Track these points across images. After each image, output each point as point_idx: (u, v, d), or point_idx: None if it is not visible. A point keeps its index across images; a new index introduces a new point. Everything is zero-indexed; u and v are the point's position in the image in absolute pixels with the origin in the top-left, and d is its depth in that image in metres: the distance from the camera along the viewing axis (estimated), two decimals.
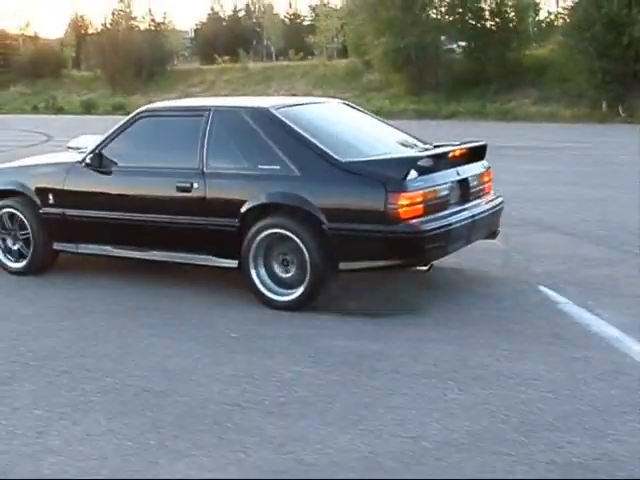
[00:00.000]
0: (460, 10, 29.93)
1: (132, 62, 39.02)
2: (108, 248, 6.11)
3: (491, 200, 6.04)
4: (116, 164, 6.00)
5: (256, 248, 5.35)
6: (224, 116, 5.78)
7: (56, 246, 6.35)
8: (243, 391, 3.89)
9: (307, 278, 5.21)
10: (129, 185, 5.97)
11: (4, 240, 6.52)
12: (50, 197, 6.22)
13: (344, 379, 4.04)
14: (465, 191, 5.66)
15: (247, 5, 58.25)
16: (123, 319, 5.25)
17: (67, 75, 44.52)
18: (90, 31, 59.07)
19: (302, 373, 4.14)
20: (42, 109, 34.25)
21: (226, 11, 56.83)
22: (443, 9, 30.75)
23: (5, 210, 6.45)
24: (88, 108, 33.25)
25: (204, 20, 56.47)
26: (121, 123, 6.17)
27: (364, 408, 3.67)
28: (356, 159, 5.32)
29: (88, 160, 6.06)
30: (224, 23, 55.38)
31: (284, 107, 5.90)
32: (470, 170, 5.76)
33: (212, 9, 56.27)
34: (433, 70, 29.12)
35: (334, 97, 30.66)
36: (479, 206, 5.78)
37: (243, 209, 5.37)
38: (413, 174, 5.11)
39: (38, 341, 4.82)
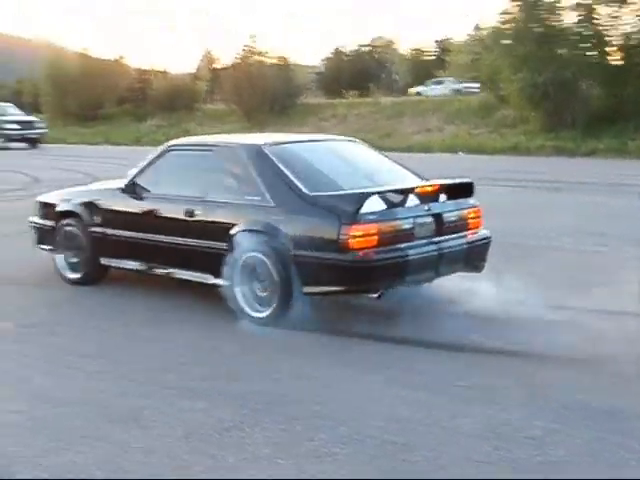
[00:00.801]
0: (596, 45, 29.26)
1: (264, 96, 39.90)
2: (137, 264, 7.06)
3: (473, 235, 6.45)
4: (147, 191, 6.98)
5: (241, 269, 6.09)
6: (225, 152, 6.72)
7: (102, 261, 7.36)
8: (494, 448, 3.78)
9: (277, 299, 5.90)
10: (151, 209, 6.90)
11: (66, 254, 7.60)
12: (95, 218, 7.33)
13: (597, 437, 3.89)
14: (438, 225, 6.15)
15: (371, 40, 59.34)
16: (326, 359, 5.25)
17: (200, 108, 45.88)
18: (220, 66, 61.11)
19: (550, 430, 4.00)
20: None
21: (350, 46, 58.15)
22: (580, 45, 30.14)
23: (66, 228, 7.57)
24: None
25: (328, 55, 57.88)
26: (152, 155, 7.18)
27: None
28: (321, 193, 5.99)
29: (124, 187, 7.13)
30: (348, 58, 56.48)
31: (277, 145, 6.71)
32: (446, 206, 6.29)
33: (336, 48, 57.83)
34: (570, 106, 28.47)
35: (468, 133, 31.40)
36: (453, 240, 6.22)
37: (230, 233, 6.16)
38: (368, 208, 5.69)
39: (259, 384, 4.82)
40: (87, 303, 7.03)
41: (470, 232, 6.48)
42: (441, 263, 6.07)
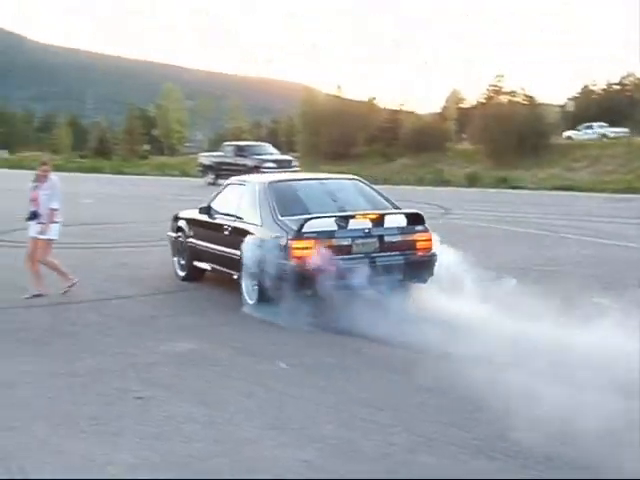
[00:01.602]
0: None
1: (513, 136, 39.23)
2: (207, 266, 9.92)
3: (418, 254, 8.29)
4: (215, 211, 9.75)
5: (244, 269, 8.55)
6: (249, 186, 9.34)
7: (195, 263, 10.16)
8: None
9: (257, 292, 8.33)
10: (213, 225, 9.66)
11: (179, 258, 10.58)
12: (188, 231, 10.36)
13: None
14: (381, 244, 8.17)
15: (621, 78, 56.95)
16: None
17: (449, 148, 45.93)
18: (466, 105, 61.18)
19: None
20: (427, 181, 35.43)
21: (600, 84, 56.23)
22: None
23: (178, 239, 10.62)
24: (472, 181, 33.84)
25: (575, 94, 56.24)
26: (221, 187, 10.29)
27: None
28: (289, 217, 8.26)
29: (200, 208, 9.99)
30: (598, 96, 54.53)
31: (279, 182, 9.38)
32: (389, 230, 8.26)
33: (585, 85, 56.06)
34: None
35: None
36: (392, 257, 8.13)
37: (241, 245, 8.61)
38: (309, 228, 7.86)
39: None
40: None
41: (417, 251, 8.33)
42: (376, 274, 7.78)
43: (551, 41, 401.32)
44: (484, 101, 49.81)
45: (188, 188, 32.17)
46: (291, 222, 8.10)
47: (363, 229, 8.15)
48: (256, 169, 35.01)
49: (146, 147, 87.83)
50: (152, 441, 4.79)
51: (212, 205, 9.87)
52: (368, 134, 49.22)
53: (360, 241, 8.09)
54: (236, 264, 8.71)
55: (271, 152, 37.55)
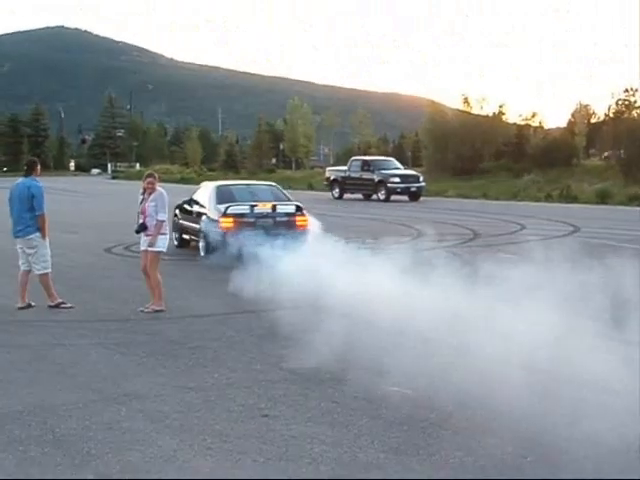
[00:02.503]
0: None
1: None
2: (188, 237, 16.08)
3: (297, 229, 13.78)
4: (195, 203, 15.77)
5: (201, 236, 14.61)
6: (208, 187, 15.70)
7: (183, 236, 16.37)
8: None
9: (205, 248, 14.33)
10: (189, 211, 16.02)
11: (175, 233, 16.00)
12: (179, 215, 16.45)
13: None
14: (274, 223, 13.76)
15: None
16: None
17: (578, 164, 44.53)
18: (595, 120, 59.18)
19: None
20: (555, 197, 34.47)
21: None
22: None
23: (175, 220, 16.11)
24: (602, 198, 32.66)
25: None
26: (198, 187, 16.96)
27: None
28: (223, 205, 14.02)
29: (186, 200, 16.48)
30: None
31: (222, 185, 15.72)
32: (278, 214, 14.00)
33: None
34: None
35: None
36: (280, 230, 13.25)
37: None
38: (231, 211, 13.81)
39: None
40: None
41: (297, 228, 13.83)
42: (268, 241, 11.54)
43: None
44: (614, 116, 48.01)
45: (314, 202, 32.42)
46: (222, 207, 13.96)
47: (263, 212, 14.06)
48: (382, 184, 35.06)
49: (273, 161, 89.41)
50: (277, 461, 4.75)
51: (193, 197, 15.91)
52: (494, 149, 48.36)
53: (261, 220, 13.87)
54: (198, 234, 14.78)
55: (397, 167, 37.50)
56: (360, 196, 36.50)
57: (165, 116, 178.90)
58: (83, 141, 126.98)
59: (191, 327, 8.81)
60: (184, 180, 63.08)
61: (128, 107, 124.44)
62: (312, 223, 14.24)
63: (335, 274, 9.33)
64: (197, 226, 14.78)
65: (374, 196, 35.58)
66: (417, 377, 6.16)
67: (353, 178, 36.60)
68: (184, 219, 15.99)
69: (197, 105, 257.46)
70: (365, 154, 56.35)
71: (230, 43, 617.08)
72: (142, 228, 9.80)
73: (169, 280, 10.16)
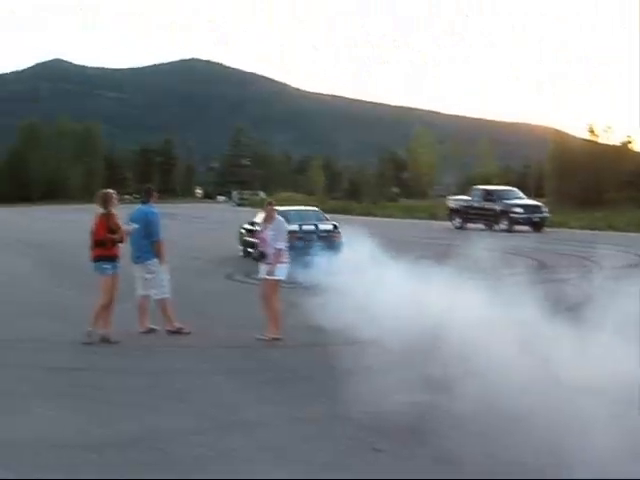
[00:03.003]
0: None
1: None
2: (250, 250, 18.71)
3: (333, 241, 17.97)
4: (255, 223, 19.33)
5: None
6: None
7: (247, 249, 20.11)
8: None
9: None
10: (251, 230, 20.54)
11: (241, 247, 21.40)
12: (244, 233, 21.47)
13: None
14: (317, 237, 18.35)
15: None
16: None
17: None
18: None
19: None
20: None
21: None
22: None
23: (241, 237, 21.89)
24: None
25: None
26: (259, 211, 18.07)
27: None
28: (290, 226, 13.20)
29: (249, 222, 21.27)
30: None
31: (280, 210, 13.24)
32: (319, 230, 19.25)
33: None
34: None
35: None
36: (321, 243, 16.39)
37: None
38: (292, 228, 14.51)
39: None
40: None
41: (333, 241, 17.88)
42: (311, 252, 10.84)
43: None
44: None
45: (436, 231, 32.25)
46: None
47: (309, 229, 18.91)
48: (504, 214, 34.47)
49: (395, 189, 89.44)
50: None
51: (254, 220, 19.27)
52: (620, 180, 46.73)
53: (307, 235, 18.23)
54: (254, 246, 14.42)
55: (520, 197, 36.80)
56: (482, 226, 36.02)
57: (290, 145, 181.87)
58: (210, 169, 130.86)
59: (304, 356, 8.84)
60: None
61: (255, 136, 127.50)
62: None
63: (449, 306, 9.16)
64: (254, 241, 17.22)
65: (496, 226, 35.04)
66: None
67: (475, 208, 36.16)
68: (247, 236, 20.13)
69: (322, 134, 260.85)
70: (488, 184, 55.62)
71: (356, 73, 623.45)
72: (261, 256, 9.97)
73: (287, 308, 10.28)
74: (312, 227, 19.10)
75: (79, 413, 6.58)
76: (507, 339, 7.67)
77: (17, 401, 6.94)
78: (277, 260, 9.80)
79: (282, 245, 9.85)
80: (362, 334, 9.64)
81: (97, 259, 9.68)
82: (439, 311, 9.13)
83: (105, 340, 9.40)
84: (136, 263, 10.20)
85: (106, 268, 9.64)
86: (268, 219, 10.08)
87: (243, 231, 21.30)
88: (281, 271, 9.87)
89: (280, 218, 10.15)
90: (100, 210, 9.71)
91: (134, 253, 10.15)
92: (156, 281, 10.14)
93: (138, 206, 10.50)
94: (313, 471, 5.16)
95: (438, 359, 8.34)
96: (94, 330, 9.45)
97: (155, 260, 10.14)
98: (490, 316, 8.60)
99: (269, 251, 9.85)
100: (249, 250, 18.54)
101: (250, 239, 18.61)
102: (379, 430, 6.03)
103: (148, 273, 10.14)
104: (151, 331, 10.10)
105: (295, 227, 17.74)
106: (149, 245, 10.11)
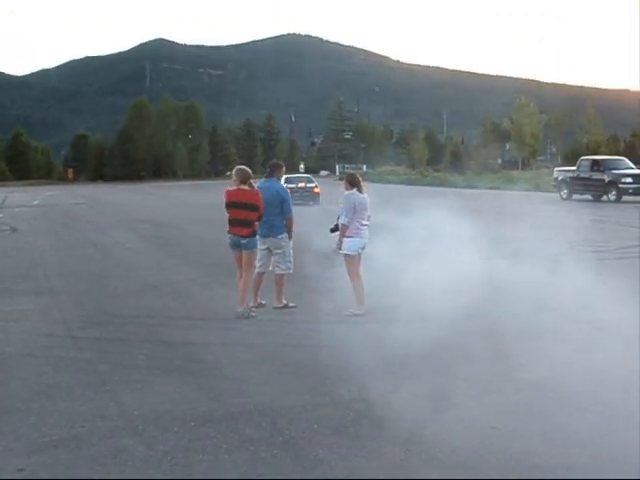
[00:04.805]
0: None
1: None
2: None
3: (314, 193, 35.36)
4: None
5: None
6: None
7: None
8: None
9: None
10: None
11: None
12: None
13: None
14: (304, 190, 35.42)
15: None
16: None
17: None
18: None
19: None
20: None
21: None
22: None
23: None
24: None
25: None
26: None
27: None
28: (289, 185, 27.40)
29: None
30: None
31: (288, 177, 32.44)
32: (307, 186, 36.06)
33: None
34: None
35: None
36: (305, 194, 34.75)
37: None
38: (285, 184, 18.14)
39: None
40: None
41: (314, 194, 35.13)
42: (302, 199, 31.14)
43: None
44: None
45: (542, 203, 31.46)
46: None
47: (300, 186, 34.89)
48: (612, 184, 33.41)
49: (499, 161, 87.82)
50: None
51: None
52: None
53: (298, 190, 33.41)
54: None
55: (629, 167, 35.58)
56: (589, 197, 35.00)
57: (391, 118, 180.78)
58: (312, 144, 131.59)
59: (417, 332, 8.32)
60: (410, 181, 63.60)
61: (356, 110, 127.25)
62: None
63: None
64: None
65: (604, 197, 34.00)
66: None
67: (582, 178, 35.15)
68: None
69: (422, 106, 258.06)
70: (594, 154, 53.89)
71: (453, 42, 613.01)
72: (335, 229, 10.01)
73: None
74: (303, 185, 35.63)
75: (193, 387, 6.69)
76: None
77: (136, 375, 7.14)
78: (342, 235, 9.73)
79: (344, 220, 9.70)
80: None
81: (252, 234, 9.85)
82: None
83: (247, 314, 9.68)
84: (266, 237, 10.24)
85: (257, 243, 9.99)
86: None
87: None
88: (347, 246, 9.73)
89: (349, 192, 9.85)
90: (244, 187, 9.78)
91: (263, 227, 10.14)
92: (284, 256, 10.25)
93: (261, 181, 10.54)
94: (429, 450, 5.13)
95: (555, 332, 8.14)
96: (248, 304, 9.83)
97: (285, 235, 10.27)
98: None
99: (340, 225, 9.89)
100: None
101: None
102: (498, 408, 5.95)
103: (277, 248, 10.26)
104: (260, 306, 10.22)
105: (292, 185, 31.87)
106: (281, 221, 10.21)
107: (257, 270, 10.25)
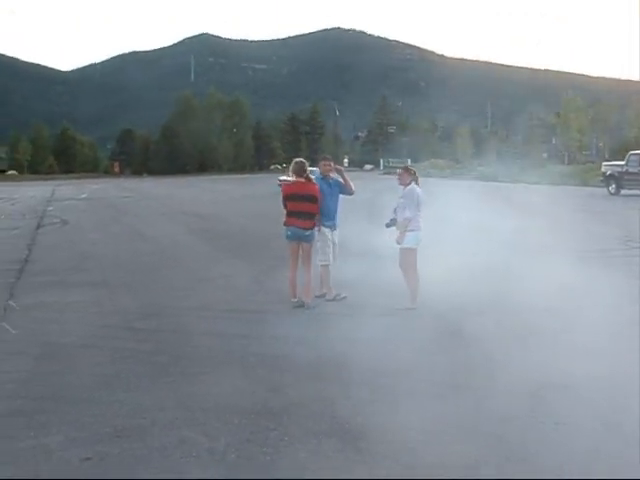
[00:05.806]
0: None
1: None
2: None
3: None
4: None
5: None
6: None
7: None
8: None
9: None
10: None
11: None
12: None
13: None
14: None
15: None
16: None
17: None
18: None
19: None
20: None
21: None
22: None
23: None
24: None
25: None
26: None
27: None
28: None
29: None
30: None
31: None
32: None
33: None
34: None
35: None
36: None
37: None
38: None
39: None
40: None
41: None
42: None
43: None
44: None
45: (589, 198, 31.05)
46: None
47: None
48: None
49: (544, 155, 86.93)
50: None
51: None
52: None
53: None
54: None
55: None
56: (638, 192, 34.45)
57: (435, 112, 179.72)
58: (356, 137, 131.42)
59: (457, 324, 8.43)
60: (454, 175, 63.25)
61: (400, 104, 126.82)
62: None
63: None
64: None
65: None
66: None
67: (631, 173, 34.56)
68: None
69: (467, 101, 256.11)
70: None
71: (498, 37, 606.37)
72: (392, 223, 9.92)
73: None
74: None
75: (251, 379, 6.75)
76: None
77: (195, 367, 7.21)
78: (404, 228, 9.62)
79: (409, 214, 9.59)
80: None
81: (314, 227, 10.05)
82: None
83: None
84: (329, 228, 10.36)
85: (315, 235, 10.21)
86: (403, 186, 9.93)
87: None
88: (409, 239, 9.62)
89: (413, 186, 9.76)
90: (301, 180, 9.97)
91: (325, 219, 10.28)
92: (337, 248, 10.50)
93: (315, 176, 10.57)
94: (486, 443, 5.12)
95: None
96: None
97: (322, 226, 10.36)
98: None
99: (399, 219, 9.73)
100: None
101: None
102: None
103: (336, 239, 10.45)
104: (321, 297, 10.33)
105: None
106: (336, 212, 10.43)
107: (322, 263, 10.34)
